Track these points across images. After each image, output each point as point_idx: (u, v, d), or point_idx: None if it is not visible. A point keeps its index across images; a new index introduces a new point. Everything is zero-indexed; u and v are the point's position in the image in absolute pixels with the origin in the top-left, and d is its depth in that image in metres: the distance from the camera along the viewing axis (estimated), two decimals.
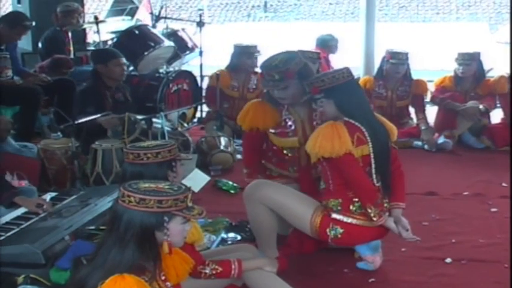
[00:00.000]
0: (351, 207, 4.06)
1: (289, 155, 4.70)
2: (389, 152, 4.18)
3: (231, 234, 4.69)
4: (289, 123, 4.64)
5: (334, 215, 4.07)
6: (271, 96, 4.65)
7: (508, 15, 21.05)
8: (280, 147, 4.70)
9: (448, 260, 4.46)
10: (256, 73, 7.58)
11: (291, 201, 4.18)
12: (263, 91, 4.77)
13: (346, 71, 4.11)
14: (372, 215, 3.99)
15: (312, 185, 4.56)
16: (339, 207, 4.07)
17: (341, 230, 4.06)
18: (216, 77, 7.25)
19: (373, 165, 4.07)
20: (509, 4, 21.09)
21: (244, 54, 7.49)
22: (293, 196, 4.23)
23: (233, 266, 3.57)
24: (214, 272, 3.51)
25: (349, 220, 4.05)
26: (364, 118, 4.08)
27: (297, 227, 4.24)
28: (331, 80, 4.05)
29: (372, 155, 4.05)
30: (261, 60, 7.39)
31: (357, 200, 4.05)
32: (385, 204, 4.12)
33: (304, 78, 4.42)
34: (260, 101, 4.77)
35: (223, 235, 4.67)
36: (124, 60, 6.56)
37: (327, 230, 4.07)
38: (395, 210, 4.14)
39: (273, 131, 4.66)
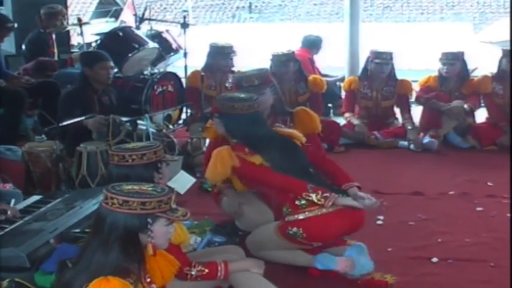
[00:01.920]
0: (297, 202, 4.11)
1: None
2: (295, 152, 4.32)
3: (218, 236, 4.68)
4: None
5: (287, 218, 4.14)
6: None
7: (492, 15, 21.16)
8: None
9: (435, 259, 4.47)
10: (233, 72, 7.60)
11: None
12: None
13: (250, 105, 4.33)
14: (316, 200, 4.04)
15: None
16: (289, 210, 4.13)
17: (299, 230, 4.09)
18: (200, 78, 7.22)
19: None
20: (492, 4, 21.21)
21: (218, 55, 7.50)
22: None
23: (219, 268, 3.57)
24: (200, 273, 3.50)
25: (301, 216, 4.09)
26: (249, 141, 4.29)
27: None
28: (229, 109, 4.33)
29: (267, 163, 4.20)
30: (236, 60, 7.47)
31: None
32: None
33: (274, 91, 4.91)
34: None
35: (210, 237, 4.66)
36: (111, 63, 6.53)
37: (289, 236, 4.14)
38: (350, 190, 4.18)
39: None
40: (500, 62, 7.35)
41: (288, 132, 4.50)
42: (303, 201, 4.08)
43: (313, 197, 4.04)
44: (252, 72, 4.87)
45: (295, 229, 4.09)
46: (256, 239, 4.41)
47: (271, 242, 4.27)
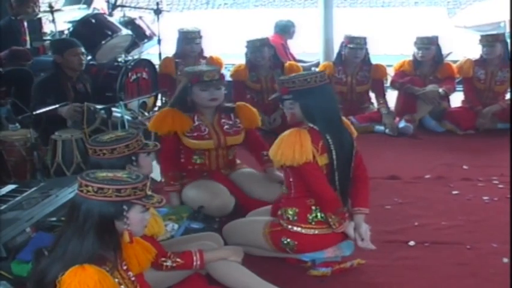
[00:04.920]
0: (308, 215, 4.04)
1: (198, 162, 5.00)
2: (351, 159, 4.10)
3: (195, 223, 4.66)
4: (203, 127, 4.91)
5: (289, 227, 4.06)
6: (182, 104, 4.92)
7: (466, 0, 21.25)
8: (194, 149, 4.94)
9: (411, 242, 4.50)
10: (205, 58, 7.64)
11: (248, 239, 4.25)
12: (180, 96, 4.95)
13: (320, 76, 4.03)
14: (332, 223, 3.97)
15: (225, 181, 5.01)
16: (296, 217, 4.05)
17: (294, 242, 4.05)
18: (175, 65, 7.20)
19: (336, 173, 4.01)
20: None
21: (186, 40, 7.53)
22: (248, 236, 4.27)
23: (195, 258, 3.57)
24: (175, 264, 3.51)
25: (304, 231, 4.03)
26: (327, 126, 3.98)
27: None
28: (302, 83, 3.97)
29: (335, 163, 3.98)
30: (211, 46, 7.60)
31: (315, 208, 4.02)
32: (346, 213, 4.07)
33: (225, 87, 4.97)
34: (173, 109, 4.94)
35: (187, 224, 4.64)
36: (82, 49, 6.49)
37: (280, 244, 4.09)
38: (357, 216, 4.07)
39: (188, 135, 4.89)
40: (482, 48, 7.37)
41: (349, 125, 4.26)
42: (314, 217, 4.02)
43: (333, 218, 3.96)
44: (208, 67, 4.93)
45: (289, 240, 4.05)
46: (236, 234, 4.33)
47: (254, 242, 4.21)
